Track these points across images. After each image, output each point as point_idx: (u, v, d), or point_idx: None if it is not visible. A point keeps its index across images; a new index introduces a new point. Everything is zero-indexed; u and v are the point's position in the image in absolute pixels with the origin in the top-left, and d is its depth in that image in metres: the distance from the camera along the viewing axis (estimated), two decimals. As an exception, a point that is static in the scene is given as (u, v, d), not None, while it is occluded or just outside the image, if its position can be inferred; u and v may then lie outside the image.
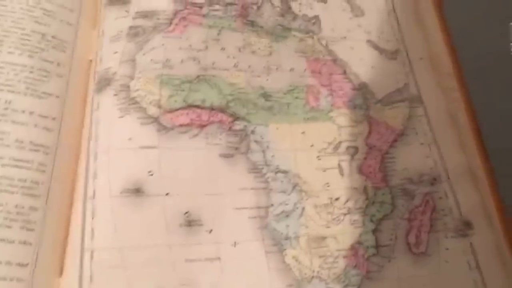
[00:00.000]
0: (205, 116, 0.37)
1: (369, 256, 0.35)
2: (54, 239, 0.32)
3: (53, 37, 0.38)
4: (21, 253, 0.30)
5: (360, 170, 0.38)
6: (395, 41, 0.45)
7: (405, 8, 0.47)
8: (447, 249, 0.37)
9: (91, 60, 0.39)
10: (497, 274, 0.37)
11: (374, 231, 0.36)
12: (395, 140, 0.40)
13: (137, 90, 0.36)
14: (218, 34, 0.40)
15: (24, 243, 0.31)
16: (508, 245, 0.37)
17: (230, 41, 0.40)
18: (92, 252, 0.31)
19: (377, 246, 0.36)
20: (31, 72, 0.36)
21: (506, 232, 0.37)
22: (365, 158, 0.39)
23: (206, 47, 0.39)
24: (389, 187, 0.38)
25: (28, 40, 0.37)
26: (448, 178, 0.40)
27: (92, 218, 0.32)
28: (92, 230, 0.32)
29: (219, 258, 0.33)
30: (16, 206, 0.31)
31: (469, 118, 0.41)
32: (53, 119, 0.35)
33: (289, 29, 0.43)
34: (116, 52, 0.38)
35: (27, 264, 0.30)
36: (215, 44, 0.40)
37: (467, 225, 0.38)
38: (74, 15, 0.40)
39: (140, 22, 0.40)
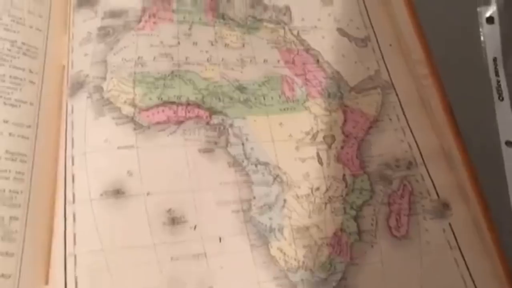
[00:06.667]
0: (181, 112, 0.36)
1: (352, 242, 0.36)
2: (38, 248, 0.32)
3: (23, 43, 0.37)
4: (3, 265, 0.30)
5: (338, 159, 0.39)
6: (364, 29, 0.46)
7: (373, -5, 0.48)
8: (427, 230, 0.37)
9: (64, 66, 0.38)
10: (477, 251, 0.38)
11: (356, 218, 0.37)
12: (370, 127, 0.41)
13: (110, 90, 0.36)
14: (189, 29, 0.40)
15: (6, 254, 0.30)
16: (485, 221, 0.38)
17: (202, 35, 0.40)
18: (75, 257, 0.31)
19: (359, 232, 0.36)
20: (2, 80, 0.35)
21: (483, 209, 0.38)
22: (342, 147, 0.39)
23: (178, 43, 0.39)
24: (367, 173, 0.39)
25: (-2, 48, 0.36)
26: (423, 161, 0.40)
27: (74, 223, 0.32)
28: (74, 235, 0.31)
29: (204, 254, 0.33)
30: (-4, 217, 0.31)
31: (441, 103, 0.42)
32: (28, 126, 0.35)
33: (260, 20, 0.43)
34: (86, 55, 0.38)
35: (10, 276, 0.30)
36: (187, 39, 0.39)
37: (445, 206, 0.39)
38: (43, 21, 0.39)
39: (109, 22, 0.39)
